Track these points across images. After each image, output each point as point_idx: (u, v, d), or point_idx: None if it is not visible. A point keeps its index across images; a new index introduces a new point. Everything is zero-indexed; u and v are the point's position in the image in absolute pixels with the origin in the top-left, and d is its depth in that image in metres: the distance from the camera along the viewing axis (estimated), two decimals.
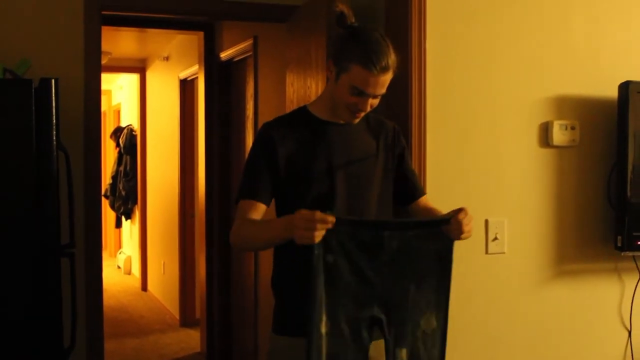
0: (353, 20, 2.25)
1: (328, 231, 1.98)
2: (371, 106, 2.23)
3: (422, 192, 2.46)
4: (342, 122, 2.30)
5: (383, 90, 2.20)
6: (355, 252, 2.06)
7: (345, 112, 2.24)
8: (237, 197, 2.28)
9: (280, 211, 2.25)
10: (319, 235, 1.97)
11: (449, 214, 2.14)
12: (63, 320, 3.03)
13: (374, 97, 2.20)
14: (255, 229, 2.20)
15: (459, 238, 2.13)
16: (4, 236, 2.87)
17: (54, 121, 2.92)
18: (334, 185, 2.22)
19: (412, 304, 2.14)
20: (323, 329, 2.05)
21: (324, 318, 2.06)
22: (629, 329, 3.02)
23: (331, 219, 1.96)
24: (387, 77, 2.18)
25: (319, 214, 1.95)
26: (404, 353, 2.14)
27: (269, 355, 2.31)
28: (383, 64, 2.13)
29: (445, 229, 2.12)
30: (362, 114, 2.25)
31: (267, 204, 2.24)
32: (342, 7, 2.24)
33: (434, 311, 2.18)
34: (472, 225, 2.14)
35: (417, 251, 2.13)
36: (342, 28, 2.26)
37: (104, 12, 3.77)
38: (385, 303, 2.12)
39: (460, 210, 2.11)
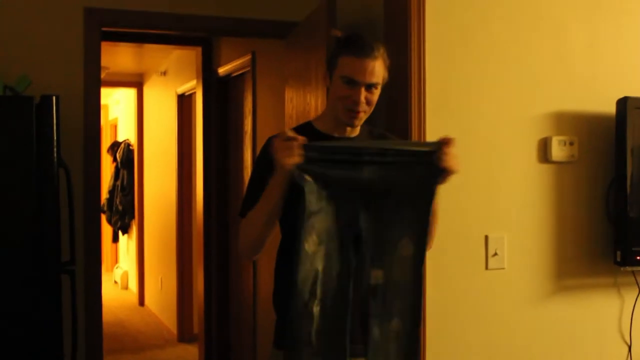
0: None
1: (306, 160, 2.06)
2: (367, 100, 2.21)
3: None
4: (345, 135, 2.32)
5: (374, 79, 2.20)
6: (335, 168, 2.09)
7: (344, 114, 2.24)
8: (242, 210, 2.29)
9: (285, 224, 2.26)
10: (298, 152, 2.04)
11: (437, 142, 2.14)
12: (63, 337, 3.04)
13: (367, 87, 2.20)
14: (255, 209, 2.20)
15: (446, 168, 2.12)
16: (5, 253, 2.88)
17: (55, 138, 2.94)
18: None
19: (390, 225, 2.14)
20: (310, 248, 2.08)
21: (313, 235, 2.08)
22: (629, 343, 3.03)
23: (301, 138, 2.04)
24: (376, 65, 2.19)
25: (288, 131, 2.07)
26: (379, 274, 2.14)
27: None
28: (366, 48, 2.18)
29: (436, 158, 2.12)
30: (361, 113, 2.23)
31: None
32: (336, 32, 2.33)
33: (412, 238, 2.15)
34: (458, 160, 2.14)
35: (404, 170, 2.13)
36: None
37: (103, 29, 3.80)
38: (365, 218, 2.13)
39: (447, 140, 2.13)
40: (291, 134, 2.06)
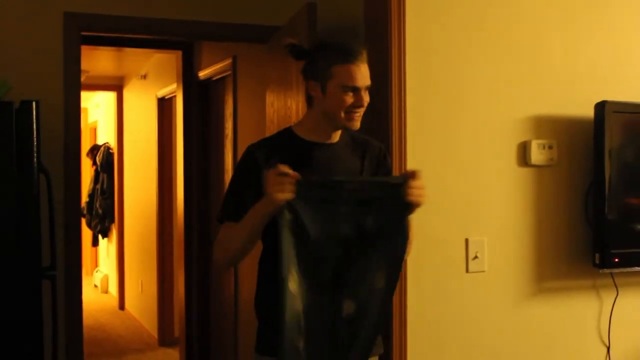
0: (306, 47, 2.36)
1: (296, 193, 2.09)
2: (365, 102, 2.26)
3: None
4: (327, 142, 2.33)
5: (369, 82, 2.25)
6: (318, 207, 2.13)
7: (345, 119, 2.26)
8: (220, 216, 2.30)
9: (265, 232, 2.26)
10: (290, 188, 2.07)
11: (402, 176, 2.19)
12: (43, 342, 3.02)
13: (364, 90, 2.25)
14: (237, 227, 2.23)
15: (411, 201, 2.16)
16: None
17: (35, 143, 2.92)
18: None
19: (366, 258, 2.18)
20: (292, 286, 2.10)
21: (293, 273, 2.11)
22: (608, 344, 3.05)
23: (293, 173, 2.08)
24: (367, 67, 2.25)
25: (282, 167, 2.07)
26: (351, 305, 2.17)
27: None
28: (357, 51, 2.22)
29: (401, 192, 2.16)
30: (361, 113, 2.27)
31: None
32: (289, 40, 2.36)
33: (383, 271, 2.18)
34: (424, 192, 2.18)
35: (376, 207, 2.17)
36: (299, 57, 2.35)
37: (82, 33, 3.79)
38: (342, 255, 2.17)
39: (411, 173, 2.17)
40: (285, 169, 2.08)
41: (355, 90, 2.23)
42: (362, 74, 2.23)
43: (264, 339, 2.31)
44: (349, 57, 2.21)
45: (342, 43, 2.26)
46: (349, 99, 2.23)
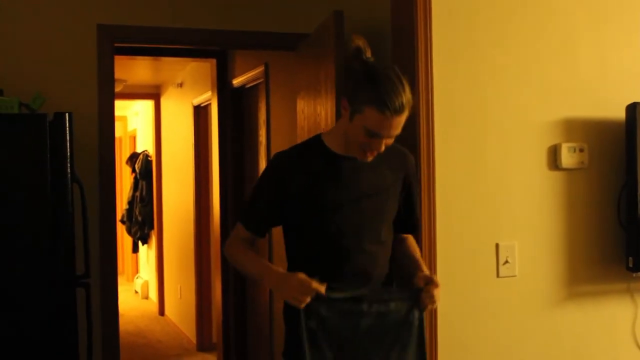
0: (369, 55, 2.20)
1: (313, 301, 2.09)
2: (385, 145, 2.19)
3: (413, 229, 2.50)
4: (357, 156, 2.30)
5: (398, 131, 2.16)
6: (336, 320, 2.15)
7: (359, 151, 2.22)
8: (242, 217, 2.35)
9: (289, 240, 2.28)
10: (307, 299, 2.07)
11: (419, 282, 2.23)
12: (80, 350, 3.07)
13: (390, 138, 2.18)
14: (247, 260, 2.29)
15: (426, 307, 2.22)
16: (21, 268, 2.92)
17: (68, 154, 2.98)
18: (341, 221, 2.23)
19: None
20: None
21: None
22: None
23: (321, 289, 2.07)
24: (402, 118, 2.13)
25: (315, 284, 2.06)
26: None
27: None
28: (397, 105, 2.09)
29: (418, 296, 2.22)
30: (375, 154, 2.21)
31: (261, 236, 2.31)
32: (358, 42, 2.20)
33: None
34: (439, 296, 2.24)
35: (393, 319, 2.21)
36: (357, 64, 2.20)
37: (117, 45, 3.84)
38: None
39: (429, 281, 2.21)
40: (311, 283, 2.06)
41: (377, 136, 2.15)
42: (392, 126, 2.13)
43: (289, 345, 2.32)
44: (386, 108, 2.08)
45: (390, 87, 2.10)
46: (367, 140, 2.16)
